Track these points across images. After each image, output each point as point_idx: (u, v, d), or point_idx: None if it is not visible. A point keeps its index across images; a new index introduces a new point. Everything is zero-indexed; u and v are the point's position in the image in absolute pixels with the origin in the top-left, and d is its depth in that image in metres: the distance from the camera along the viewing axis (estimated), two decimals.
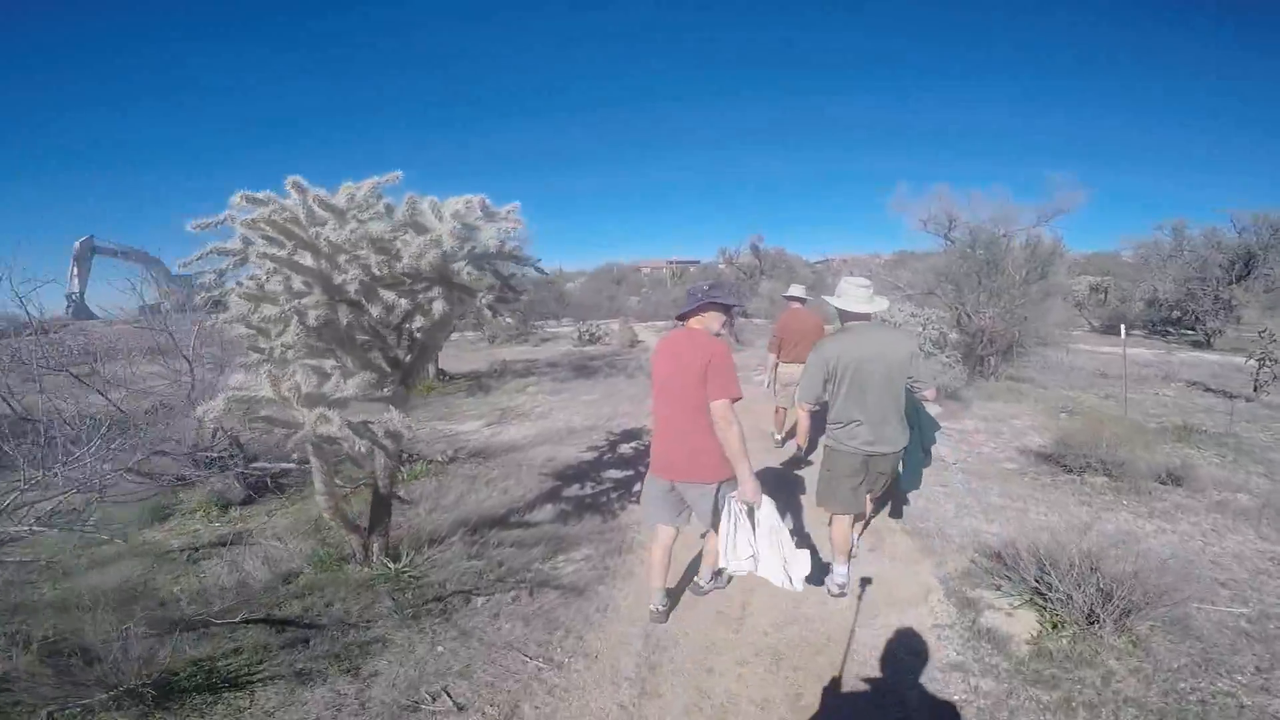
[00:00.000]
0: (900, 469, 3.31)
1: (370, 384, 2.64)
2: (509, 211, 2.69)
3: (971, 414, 7.16)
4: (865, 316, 3.07)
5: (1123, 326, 7.47)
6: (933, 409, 6.93)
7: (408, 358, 2.99)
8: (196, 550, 4.07)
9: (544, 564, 3.70)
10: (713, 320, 2.80)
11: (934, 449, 3.58)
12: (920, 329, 7.76)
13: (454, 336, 15.80)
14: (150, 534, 4.49)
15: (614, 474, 5.22)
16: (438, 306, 2.45)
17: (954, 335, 8.53)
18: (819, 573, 3.18)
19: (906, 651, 2.88)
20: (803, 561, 2.61)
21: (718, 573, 3.25)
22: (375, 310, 2.31)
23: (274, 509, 4.81)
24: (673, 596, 3.15)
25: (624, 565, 3.70)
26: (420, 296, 2.53)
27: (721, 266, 33.27)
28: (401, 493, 5.00)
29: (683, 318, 2.84)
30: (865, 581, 3.35)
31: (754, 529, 2.62)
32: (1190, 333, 19.01)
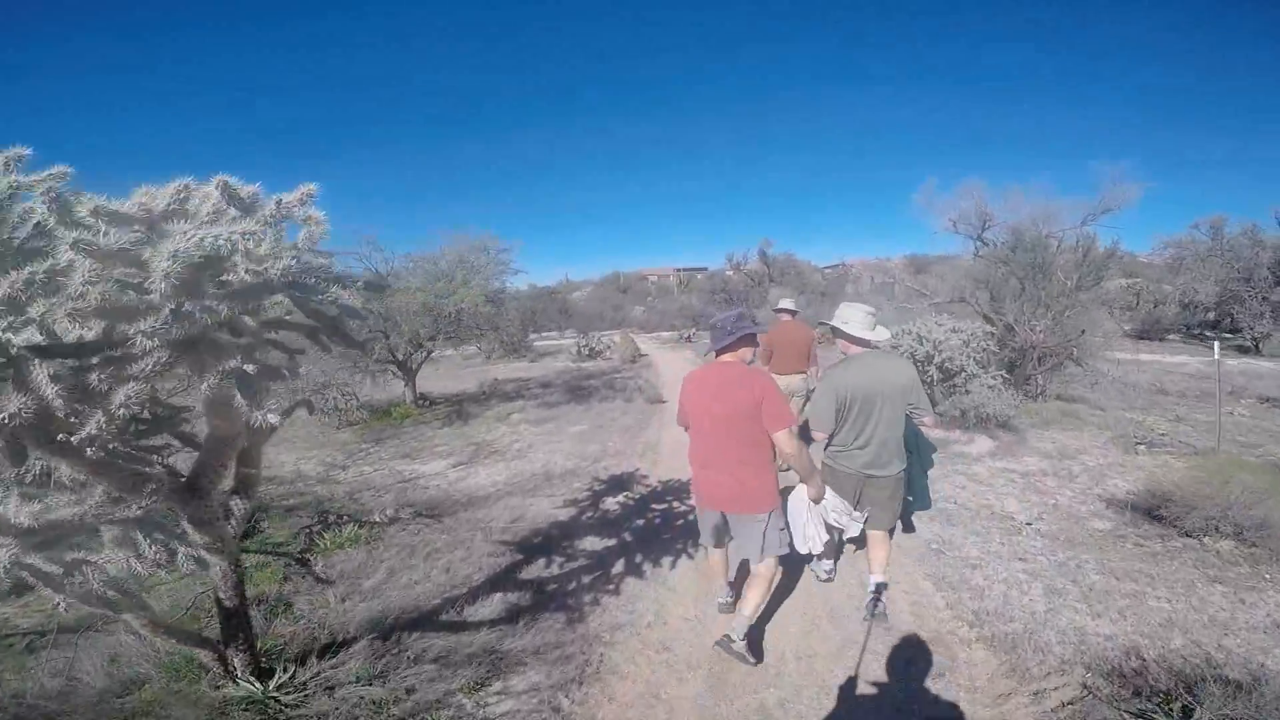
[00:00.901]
0: (907, 493, 3.33)
1: (107, 500, 1.51)
2: (294, 201, 1.54)
3: (1029, 448, 5.97)
4: (867, 343, 3.05)
5: (1215, 344, 6.23)
6: (984, 445, 5.83)
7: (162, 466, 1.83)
8: (43, 635, 3.12)
9: (468, 697, 2.59)
10: (746, 352, 2.78)
11: (1002, 505, 3.94)
12: (962, 344, 6.61)
13: (447, 353, 14.79)
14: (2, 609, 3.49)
15: (591, 544, 4.09)
16: (122, 396, 1.28)
17: (995, 349, 7.35)
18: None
19: None
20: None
21: (748, 635, 2.84)
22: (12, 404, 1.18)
23: (159, 583, 3.76)
24: (736, 588, 3.12)
25: (584, 705, 2.57)
26: (96, 365, 1.36)
27: (729, 273, 32.18)
28: (319, 567, 3.98)
29: (719, 353, 2.77)
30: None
31: (820, 516, 2.96)
32: (1231, 337, 17.65)
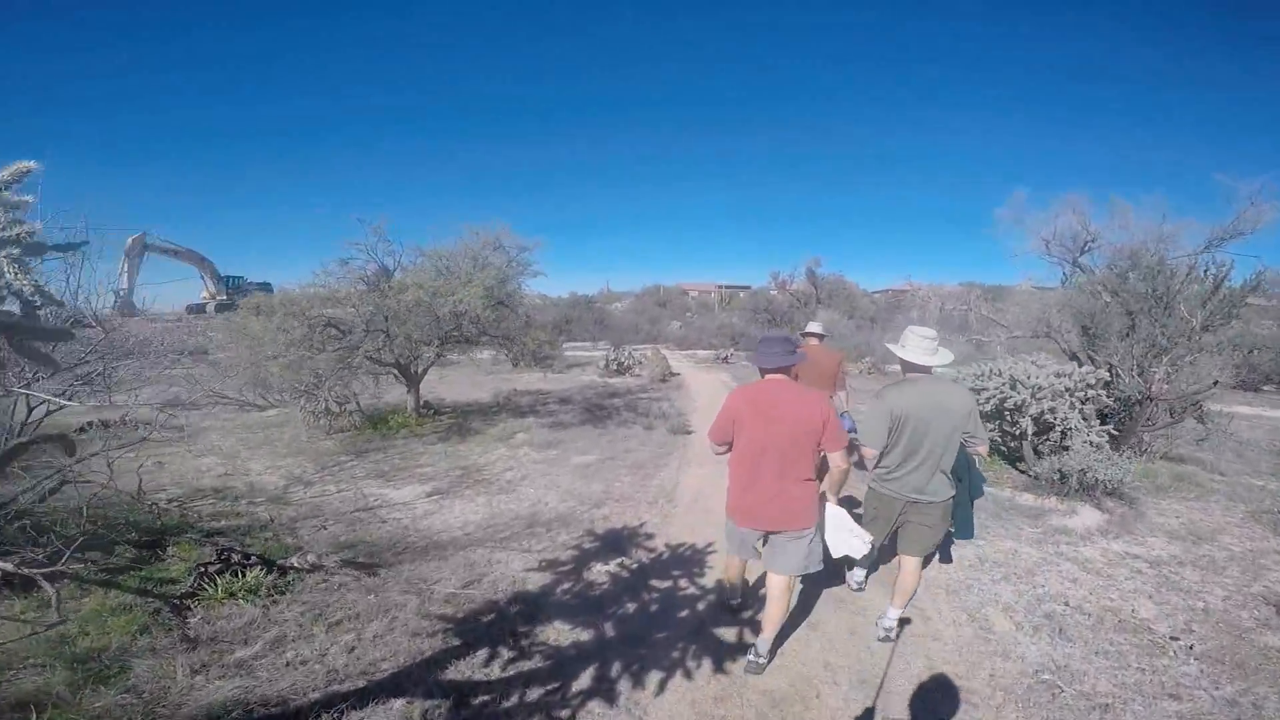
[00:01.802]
0: (950, 522, 3.14)
1: None
2: None
3: (1149, 524, 4.61)
4: (927, 369, 2.92)
5: None
6: (1090, 517, 4.57)
7: None
8: None
9: None
10: (790, 371, 2.75)
11: (1132, 609, 3.39)
12: (1065, 392, 5.29)
13: (460, 359, 13.96)
14: None
15: (557, 635, 2.95)
16: None
17: (1105, 398, 5.97)
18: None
19: None
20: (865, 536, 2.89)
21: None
22: None
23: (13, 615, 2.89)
24: (748, 594, 3.21)
25: None
26: None
27: (773, 292, 30.76)
28: (195, 620, 3.05)
29: (776, 371, 2.72)
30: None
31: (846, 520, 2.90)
32: None
